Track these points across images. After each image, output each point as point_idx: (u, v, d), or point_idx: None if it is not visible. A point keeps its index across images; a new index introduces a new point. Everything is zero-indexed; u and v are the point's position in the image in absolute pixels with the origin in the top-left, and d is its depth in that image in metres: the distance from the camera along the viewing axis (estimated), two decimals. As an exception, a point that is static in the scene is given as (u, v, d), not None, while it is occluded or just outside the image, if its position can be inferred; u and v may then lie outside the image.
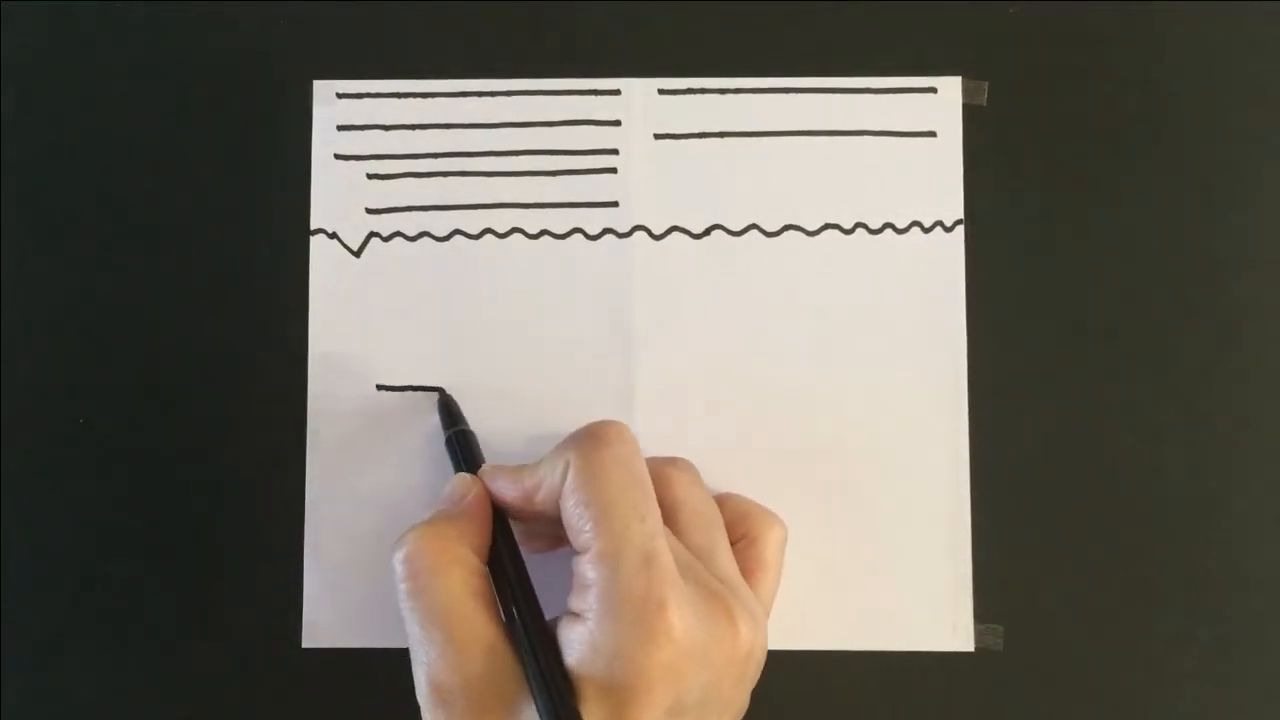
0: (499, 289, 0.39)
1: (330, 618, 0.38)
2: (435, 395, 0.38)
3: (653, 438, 0.38)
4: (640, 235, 0.39)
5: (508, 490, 0.34)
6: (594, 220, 0.39)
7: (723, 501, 0.36)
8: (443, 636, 0.31)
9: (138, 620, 0.38)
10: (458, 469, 0.36)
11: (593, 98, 0.40)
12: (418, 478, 0.38)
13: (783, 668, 0.37)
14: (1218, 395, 0.39)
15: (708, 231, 0.39)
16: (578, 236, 0.39)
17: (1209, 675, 0.38)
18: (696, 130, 0.39)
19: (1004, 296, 0.39)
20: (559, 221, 0.39)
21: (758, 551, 0.35)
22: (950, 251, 0.39)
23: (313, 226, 0.39)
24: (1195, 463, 0.38)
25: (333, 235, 0.39)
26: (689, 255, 0.39)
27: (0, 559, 0.38)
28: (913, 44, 0.40)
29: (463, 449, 0.36)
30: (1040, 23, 0.40)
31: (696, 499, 0.35)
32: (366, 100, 0.40)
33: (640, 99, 0.39)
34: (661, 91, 0.40)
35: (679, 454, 0.38)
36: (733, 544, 0.35)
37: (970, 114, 0.39)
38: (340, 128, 0.39)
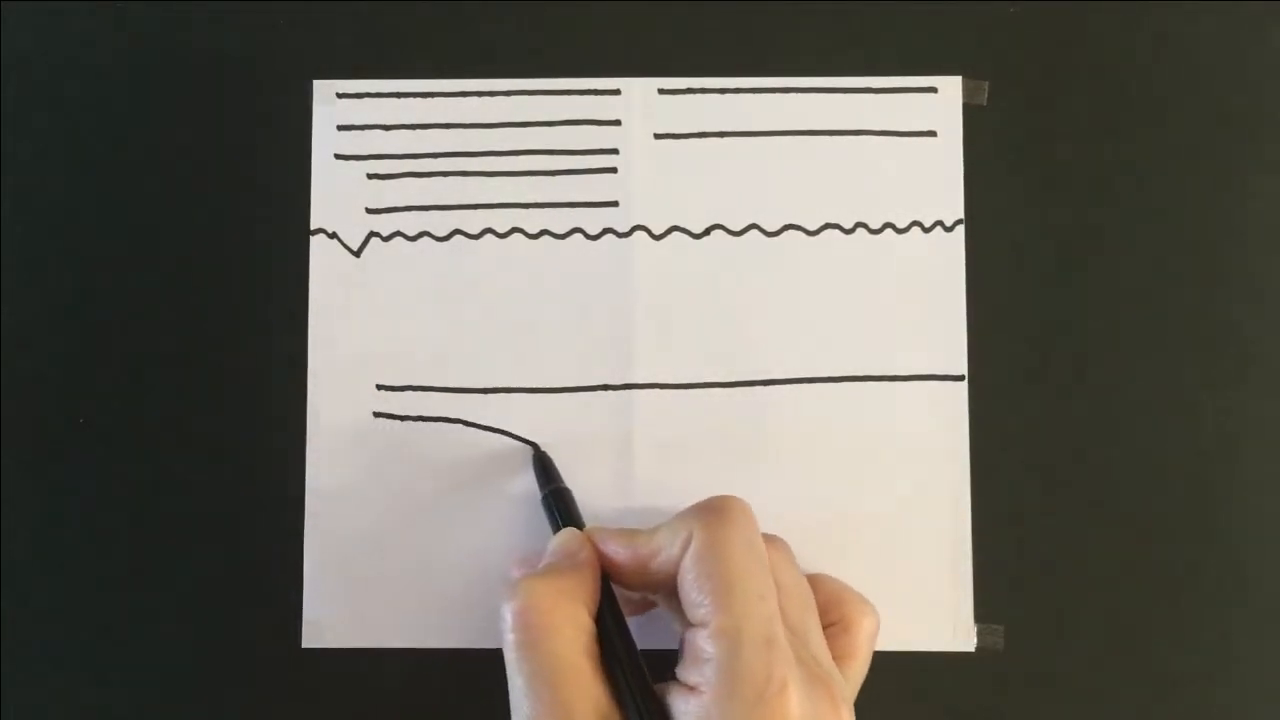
0: (499, 289, 0.39)
1: (330, 618, 0.38)
2: (529, 450, 0.38)
3: (652, 437, 0.38)
4: (640, 235, 0.39)
5: (619, 553, 0.33)
6: (594, 220, 0.39)
7: (816, 583, 0.35)
8: (551, 696, 0.30)
9: (138, 620, 0.38)
10: (556, 527, 0.36)
11: (593, 97, 0.40)
12: (418, 478, 0.38)
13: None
14: (1218, 395, 0.39)
15: (708, 231, 0.39)
16: (578, 236, 0.39)
17: (1209, 675, 0.38)
18: (696, 130, 0.39)
19: (1004, 296, 0.39)
20: (559, 221, 0.39)
21: (851, 639, 0.35)
22: (950, 251, 0.39)
23: (313, 226, 0.39)
24: (1195, 463, 0.38)
25: (333, 235, 0.39)
26: (689, 255, 0.39)
27: (0, 559, 0.38)
28: (913, 44, 0.40)
29: (560, 507, 0.36)
30: (1040, 23, 0.40)
31: (792, 579, 0.34)
32: (366, 100, 0.40)
33: (640, 99, 0.39)
34: (661, 91, 0.40)
35: (678, 454, 0.38)
36: (825, 628, 0.34)
37: (970, 114, 0.39)
38: (340, 128, 0.39)
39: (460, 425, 0.39)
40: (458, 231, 0.39)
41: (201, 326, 0.39)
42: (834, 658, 0.34)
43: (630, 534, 0.34)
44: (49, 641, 0.38)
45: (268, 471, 0.38)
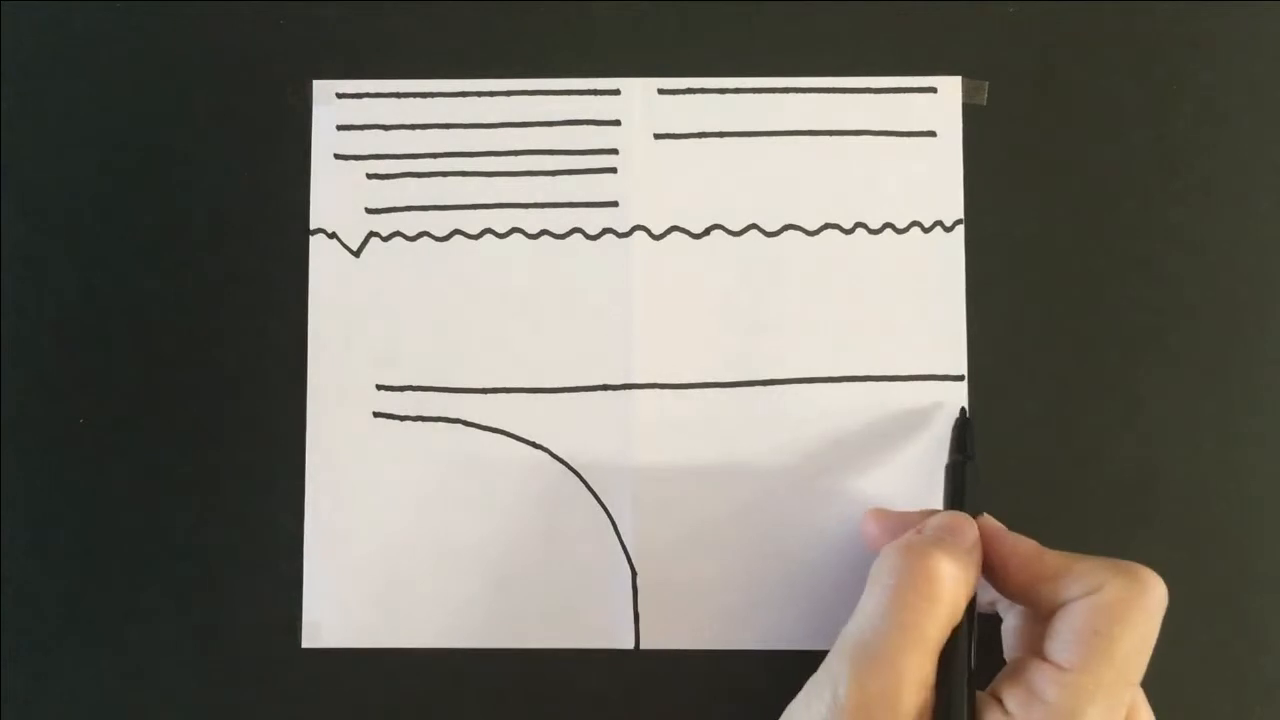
0: (499, 289, 0.39)
1: (330, 618, 0.38)
2: (957, 414, 0.38)
3: (652, 437, 0.38)
4: (640, 235, 0.39)
5: (1028, 556, 0.33)
6: (594, 220, 0.39)
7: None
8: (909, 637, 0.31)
9: (138, 620, 0.38)
10: (949, 502, 0.35)
11: (592, 97, 0.40)
12: (418, 478, 0.38)
13: (783, 668, 0.37)
14: (1218, 395, 0.39)
15: (708, 231, 0.39)
16: (577, 236, 0.39)
17: (1209, 675, 0.38)
18: (696, 130, 0.39)
19: (1004, 296, 0.39)
20: (559, 221, 0.39)
21: None
22: (950, 251, 0.39)
23: (312, 226, 0.39)
24: (1195, 462, 0.38)
25: (332, 235, 0.39)
26: (689, 255, 0.39)
27: (0, 559, 0.38)
28: (913, 44, 0.40)
29: (958, 484, 0.36)
30: (1040, 23, 0.40)
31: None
32: (366, 100, 0.40)
33: (640, 99, 0.39)
34: (661, 91, 0.40)
35: (677, 455, 0.38)
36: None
37: (970, 114, 0.39)
38: (340, 128, 0.39)
39: (460, 425, 0.39)
40: (457, 231, 0.39)
41: (201, 326, 0.39)
42: None
43: (1038, 548, 0.34)
44: (49, 641, 0.38)
45: (268, 471, 0.38)
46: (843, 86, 0.39)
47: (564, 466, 0.38)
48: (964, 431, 0.37)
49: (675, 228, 0.39)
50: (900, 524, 0.35)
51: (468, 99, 0.40)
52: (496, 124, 0.39)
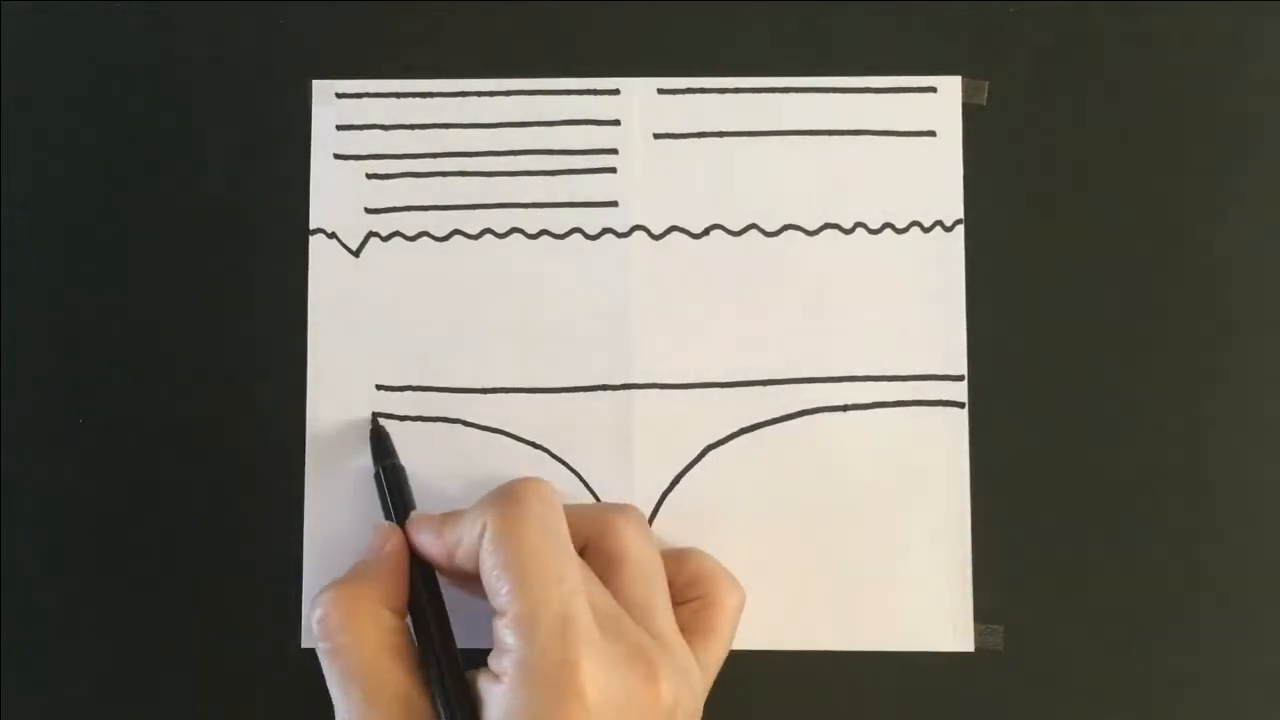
0: (498, 289, 0.39)
1: (330, 618, 0.38)
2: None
3: (651, 438, 0.38)
4: (640, 235, 0.39)
5: (430, 545, 0.34)
6: (593, 220, 0.39)
7: (684, 558, 0.36)
8: (360, 694, 0.32)
9: (138, 620, 0.38)
10: (385, 511, 0.36)
11: (592, 97, 0.39)
12: (417, 477, 0.38)
13: (783, 668, 0.37)
14: (1218, 395, 0.39)
15: (707, 231, 0.39)
16: (577, 236, 0.39)
17: (1209, 675, 0.38)
18: (696, 130, 0.39)
19: (1004, 296, 0.39)
20: (558, 221, 0.39)
21: (710, 616, 0.35)
22: (950, 251, 0.39)
23: (312, 226, 0.39)
24: (1195, 463, 0.38)
25: (332, 235, 0.39)
26: (689, 255, 0.39)
27: (0, 559, 0.38)
28: (913, 44, 0.39)
29: (391, 488, 0.36)
30: (1040, 23, 0.40)
31: (640, 551, 0.34)
32: (366, 100, 0.40)
33: (639, 99, 0.39)
34: (661, 91, 0.40)
35: (677, 453, 0.38)
36: (687, 602, 0.35)
37: (970, 114, 0.39)
38: (340, 128, 0.39)
39: (460, 425, 0.39)
40: (457, 231, 0.39)
41: (201, 326, 0.39)
42: (692, 632, 0.34)
43: (440, 522, 0.34)
44: (49, 641, 0.38)
45: (268, 471, 0.38)
46: (842, 86, 0.39)
47: (564, 466, 0.38)
48: (380, 438, 0.38)
49: (675, 228, 0.39)
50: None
51: (468, 99, 0.40)
52: (496, 124, 0.39)
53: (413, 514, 0.35)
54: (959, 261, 0.39)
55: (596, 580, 0.33)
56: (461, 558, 0.33)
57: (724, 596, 0.35)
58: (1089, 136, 0.39)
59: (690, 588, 0.35)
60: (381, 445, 0.38)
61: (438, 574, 0.35)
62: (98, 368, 0.39)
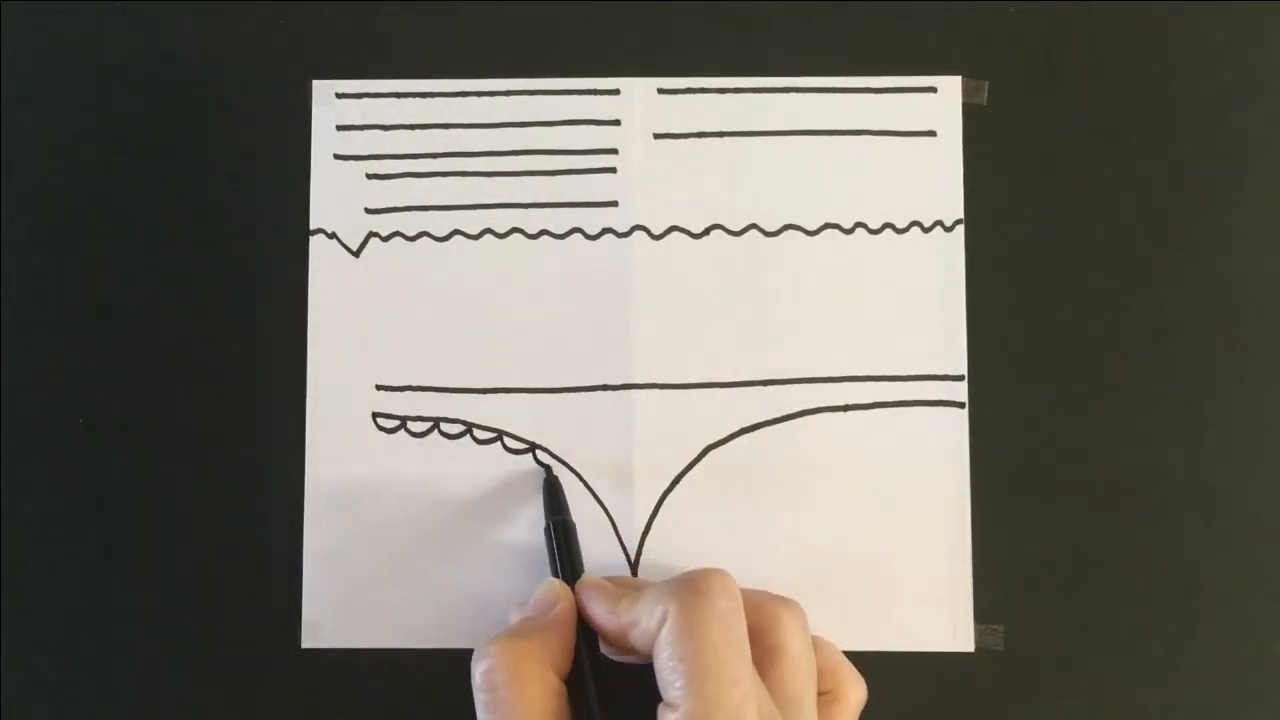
0: (499, 289, 0.39)
1: (330, 618, 0.38)
2: (541, 474, 0.38)
3: (651, 438, 0.38)
4: (639, 235, 0.39)
5: (603, 617, 0.34)
6: (593, 220, 0.39)
7: (814, 648, 0.35)
8: None
9: (138, 620, 0.38)
10: (553, 566, 0.36)
11: (592, 97, 0.40)
12: (417, 478, 0.38)
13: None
14: (1218, 395, 0.39)
15: (707, 231, 0.39)
16: (577, 236, 0.39)
17: (1209, 675, 0.38)
18: (696, 130, 0.39)
19: (1004, 296, 0.39)
20: (558, 221, 0.39)
21: (836, 710, 0.35)
22: (950, 251, 0.39)
23: (312, 226, 0.39)
24: (1195, 463, 0.38)
25: (332, 235, 0.39)
26: (689, 255, 0.39)
27: (0, 559, 0.38)
28: (913, 44, 0.40)
29: (560, 545, 0.36)
30: (1040, 23, 0.40)
31: (799, 647, 0.34)
32: (366, 100, 0.40)
33: (639, 99, 0.39)
34: (661, 91, 0.40)
35: (677, 453, 0.38)
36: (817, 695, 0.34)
37: (970, 114, 0.39)
38: (340, 128, 0.39)
39: (460, 425, 0.39)
40: (457, 232, 0.39)
41: (201, 326, 0.39)
42: None
43: (615, 596, 0.34)
44: (49, 640, 0.38)
45: (268, 471, 0.38)
46: (843, 86, 0.39)
47: (564, 466, 0.38)
48: (554, 491, 0.37)
49: (675, 228, 0.39)
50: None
51: (467, 99, 0.40)
52: (496, 124, 0.39)
53: (584, 578, 0.35)
54: (959, 261, 0.39)
55: (758, 679, 0.32)
56: (636, 639, 0.33)
57: (850, 692, 0.35)
58: (1089, 136, 0.39)
59: (819, 679, 0.35)
60: (555, 499, 0.37)
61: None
62: (98, 368, 0.39)
